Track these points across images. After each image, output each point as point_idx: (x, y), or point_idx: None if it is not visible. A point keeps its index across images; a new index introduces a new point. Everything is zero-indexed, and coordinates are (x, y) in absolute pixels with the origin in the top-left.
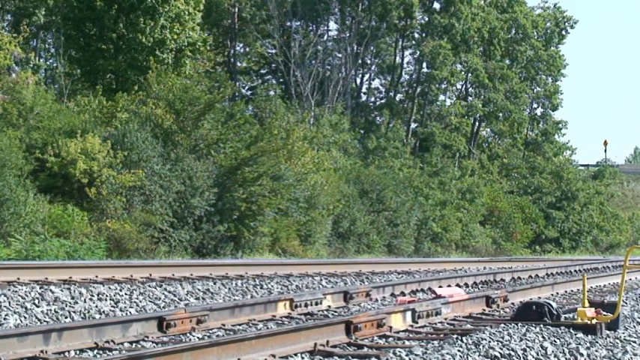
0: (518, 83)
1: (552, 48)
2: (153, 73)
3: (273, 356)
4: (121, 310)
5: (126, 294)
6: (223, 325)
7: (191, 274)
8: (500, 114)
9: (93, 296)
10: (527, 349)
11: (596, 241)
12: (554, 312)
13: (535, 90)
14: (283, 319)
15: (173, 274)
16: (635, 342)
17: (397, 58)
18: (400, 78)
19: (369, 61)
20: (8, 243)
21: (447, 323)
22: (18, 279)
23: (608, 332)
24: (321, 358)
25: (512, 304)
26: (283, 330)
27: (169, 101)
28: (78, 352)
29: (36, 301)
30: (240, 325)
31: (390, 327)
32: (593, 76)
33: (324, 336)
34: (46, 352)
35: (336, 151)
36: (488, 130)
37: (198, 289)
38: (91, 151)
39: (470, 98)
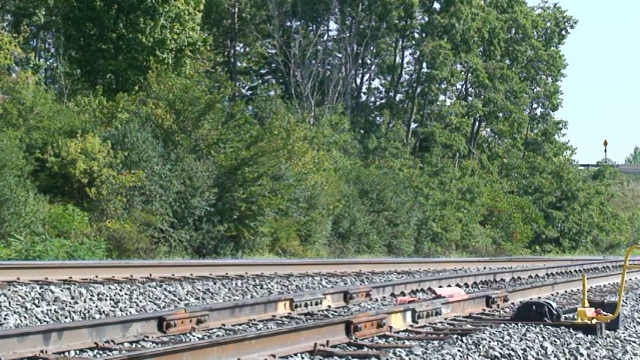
0: (518, 83)
1: (552, 48)
2: (153, 73)
3: (273, 356)
4: (121, 310)
5: (126, 294)
6: (223, 325)
7: (191, 274)
8: (500, 114)
9: (93, 296)
10: (527, 349)
11: (596, 241)
12: (554, 312)
13: (535, 90)
14: (283, 319)
15: (173, 274)
16: (635, 342)
17: (397, 58)
18: (400, 78)
19: (369, 61)
20: (8, 243)
21: (447, 323)
22: (18, 279)
23: (608, 332)
24: (321, 358)
25: (512, 304)
26: (283, 330)
27: (169, 101)
28: (78, 352)
29: (36, 301)
30: (240, 325)
31: (390, 327)
32: (593, 76)
33: (324, 336)
34: (46, 352)
35: (336, 151)
36: (488, 130)
37: (198, 289)
38: (91, 151)
39: (470, 98)
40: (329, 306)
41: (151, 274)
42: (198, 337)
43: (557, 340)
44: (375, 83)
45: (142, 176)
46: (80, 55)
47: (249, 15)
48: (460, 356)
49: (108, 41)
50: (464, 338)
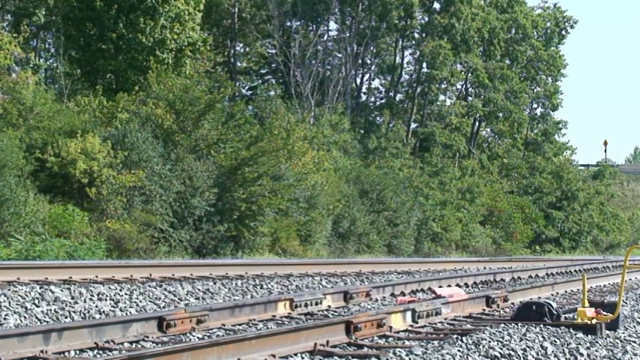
0: (518, 83)
1: (552, 48)
2: (153, 73)
3: (273, 356)
4: (121, 310)
5: (126, 294)
6: (223, 325)
7: (191, 274)
8: (500, 114)
9: (93, 296)
10: (527, 349)
11: (596, 241)
12: (554, 312)
13: (535, 90)
14: (283, 319)
15: (173, 274)
16: (635, 342)
17: (397, 58)
18: (400, 78)
19: (369, 61)
20: (8, 243)
21: (447, 323)
22: (18, 279)
23: (608, 332)
24: (321, 358)
25: (512, 304)
26: (283, 330)
27: (169, 101)
28: (78, 352)
29: (36, 301)
30: (240, 325)
31: (390, 327)
32: (593, 76)
33: (324, 336)
34: (46, 352)
35: (336, 151)
36: (488, 130)
37: (198, 289)
38: (91, 151)
39: (470, 98)
40: (329, 306)
41: (151, 274)
42: (198, 337)
43: (557, 340)
44: (375, 83)
45: (142, 176)
46: (80, 55)
47: (249, 15)
48: (460, 356)
49: (108, 41)
50: (464, 338)
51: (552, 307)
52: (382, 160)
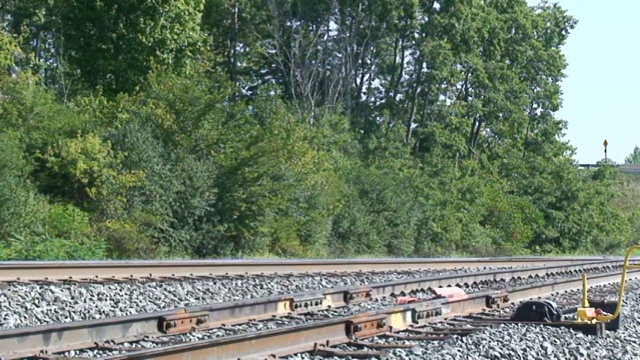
0: (518, 83)
1: (552, 48)
2: (153, 73)
3: (273, 356)
4: (121, 310)
5: (126, 294)
6: (223, 325)
7: (191, 274)
8: (500, 114)
9: (93, 296)
10: (527, 349)
11: (596, 241)
12: (554, 312)
13: (535, 90)
14: (283, 319)
15: (173, 274)
16: (635, 342)
17: (397, 58)
18: (400, 78)
19: (369, 61)
20: (8, 243)
21: (447, 323)
22: (18, 279)
23: (608, 332)
24: (321, 358)
25: (512, 304)
26: (283, 330)
27: (169, 101)
28: (78, 352)
29: (36, 301)
30: (240, 325)
31: (390, 327)
32: (593, 76)
33: (324, 336)
34: (46, 352)
35: (336, 151)
36: (488, 130)
37: (198, 289)
38: (91, 151)
39: (470, 98)
40: (329, 306)
41: (151, 274)
42: (198, 337)
43: (557, 340)
44: (375, 83)
45: (142, 176)
46: (80, 55)
47: (249, 15)
48: (460, 356)
49: (108, 41)
50: (464, 338)
51: (552, 307)
52: (382, 160)
